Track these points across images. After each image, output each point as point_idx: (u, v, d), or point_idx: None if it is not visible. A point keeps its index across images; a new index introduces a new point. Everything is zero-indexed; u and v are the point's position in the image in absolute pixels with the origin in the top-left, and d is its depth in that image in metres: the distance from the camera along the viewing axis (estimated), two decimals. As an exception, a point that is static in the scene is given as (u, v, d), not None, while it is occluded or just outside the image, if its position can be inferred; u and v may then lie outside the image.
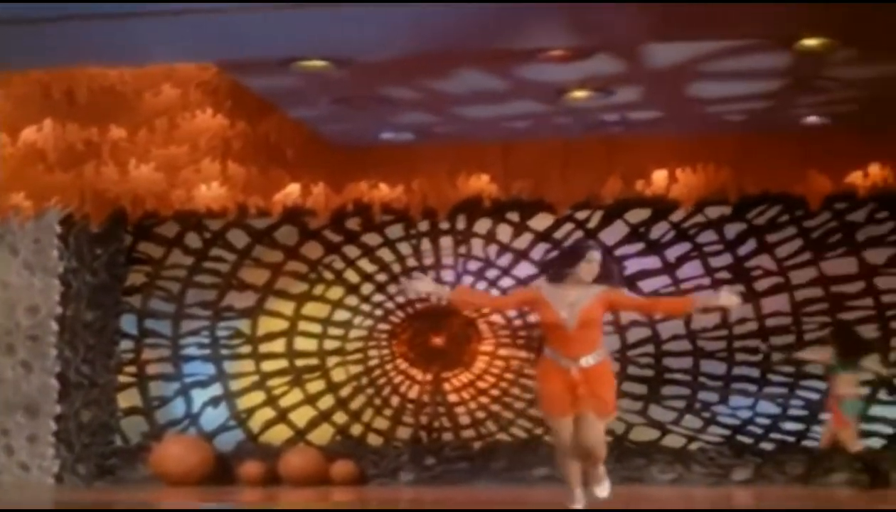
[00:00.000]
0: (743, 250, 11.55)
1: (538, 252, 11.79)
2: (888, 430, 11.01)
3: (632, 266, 11.69)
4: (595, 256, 5.68)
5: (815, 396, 11.12)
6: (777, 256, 11.47)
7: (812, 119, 9.33)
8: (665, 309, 6.41)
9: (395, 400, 12.09)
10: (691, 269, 11.46)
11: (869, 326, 10.96)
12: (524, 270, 12.05)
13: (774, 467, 11.09)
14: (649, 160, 10.18)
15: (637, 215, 11.72)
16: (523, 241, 12.10)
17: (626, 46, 7.39)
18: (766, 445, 11.16)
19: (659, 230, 11.67)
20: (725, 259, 11.57)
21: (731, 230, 11.67)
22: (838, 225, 11.23)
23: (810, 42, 7.33)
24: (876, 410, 11.02)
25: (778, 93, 8.59)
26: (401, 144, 10.32)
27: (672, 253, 11.69)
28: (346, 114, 9.27)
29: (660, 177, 10.27)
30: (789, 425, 11.29)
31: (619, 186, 10.28)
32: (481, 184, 10.60)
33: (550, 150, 10.23)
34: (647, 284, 11.61)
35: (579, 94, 8.61)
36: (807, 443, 11.03)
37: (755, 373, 11.48)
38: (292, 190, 10.71)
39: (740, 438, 11.22)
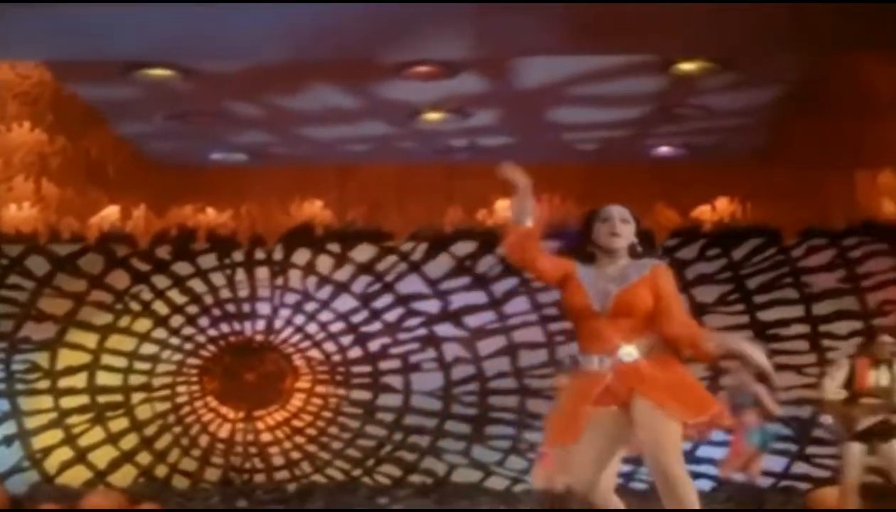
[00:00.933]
0: None
1: (360, 285, 13.27)
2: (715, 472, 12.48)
3: (457, 301, 13.28)
4: (611, 212, 5.26)
5: None
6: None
7: (664, 150, 10.74)
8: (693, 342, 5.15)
9: (204, 439, 13.27)
10: (518, 304, 13.21)
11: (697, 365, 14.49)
12: (345, 303, 13.36)
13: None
14: (492, 189, 11.17)
15: (463, 248, 13.15)
16: (344, 274, 13.38)
17: (498, 63, 8.35)
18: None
19: (486, 263, 13.18)
20: (553, 295, 12.67)
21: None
22: (669, 262, 14.74)
23: (687, 66, 8.45)
24: (704, 451, 12.42)
25: (638, 121, 9.88)
26: (232, 166, 11.23)
27: (499, 288, 13.29)
28: (178, 131, 10.11)
29: (502, 206, 11.39)
30: (622, 467, 14.59)
31: (459, 216, 11.52)
32: (314, 210, 11.63)
33: (389, 175, 11.34)
34: (472, 320, 13.26)
35: (433, 116, 9.69)
36: (635, 485, 12.62)
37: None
38: (110, 212, 11.44)
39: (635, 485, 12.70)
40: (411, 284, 13.52)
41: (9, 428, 13.24)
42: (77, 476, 13.14)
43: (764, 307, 13.20)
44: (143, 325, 13.46)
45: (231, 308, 13.60)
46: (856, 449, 9.52)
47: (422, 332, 13.51)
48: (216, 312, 13.61)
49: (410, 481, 13.29)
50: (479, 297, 13.43)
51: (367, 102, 9.39)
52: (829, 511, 11.06)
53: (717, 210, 11.43)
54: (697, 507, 4.95)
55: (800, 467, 13.03)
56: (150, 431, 13.35)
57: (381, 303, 13.52)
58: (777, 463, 12.92)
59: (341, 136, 10.47)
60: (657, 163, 11.11)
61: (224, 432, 13.47)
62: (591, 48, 7.94)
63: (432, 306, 13.57)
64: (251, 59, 8.32)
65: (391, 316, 13.52)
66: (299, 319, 13.49)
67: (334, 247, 13.42)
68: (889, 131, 9.91)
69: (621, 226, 5.32)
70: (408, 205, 11.20)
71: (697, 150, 10.73)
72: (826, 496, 12.70)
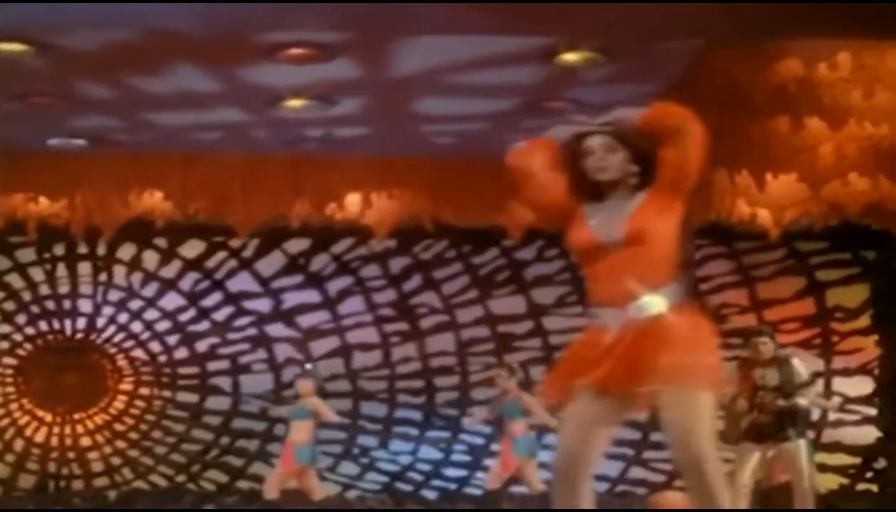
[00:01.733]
0: (408, 286, 14.82)
1: (187, 282, 14.55)
2: (547, 475, 13.42)
3: (290, 299, 14.64)
4: (591, 143, 5.26)
5: (479, 441, 14.55)
6: (443, 293, 14.82)
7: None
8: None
9: (19, 444, 14.37)
10: (353, 304, 14.67)
11: (537, 367, 14.42)
12: (172, 301, 14.58)
13: None
14: (343, 182, 12.35)
15: (297, 245, 14.56)
16: (171, 270, 14.67)
17: (377, 48, 9.22)
18: (428, 493, 14.47)
19: (320, 262, 14.68)
20: (389, 295, 14.84)
21: (396, 264, 14.79)
22: (507, 262, 14.78)
23: (571, 56, 9.50)
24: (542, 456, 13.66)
25: (503, 114, 10.90)
26: (70, 152, 11.89)
27: (333, 287, 14.77)
28: (16, 114, 10.72)
29: (353, 201, 12.42)
30: (451, 472, 14.59)
31: (307, 210, 12.41)
32: (154, 201, 12.35)
33: (237, 165, 12.11)
34: (306, 320, 14.59)
35: (295, 103, 10.47)
36: (469, 490, 14.58)
37: (417, 416, 14.70)
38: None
39: (400, 485, 14.54)
40: (242, 282, 14.70)
41: None
42: None
43: None
44: (-47, 322, 13.65)
45: (50, 305, 14.48)
46: (748, 450, 11.00)
47: (252, 331, 14.77)
48: (34, 308, 14.51)
49: (237, 487, 14.47)
50: (312, 296, 14.75)
51: (228, 86, 10.12)
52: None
53: None
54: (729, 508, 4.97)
55: (637, 472, 14.80)
56: (-41, 435, 13.52)
57: (209, 301, 14.72)
58: (612, 468, 14.73)
59: (191, 123, 11.21)
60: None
61: (40, 436, 14.38)
62: (478, 29, 8.90)
63: (263, 305, 14.76)
64: (108, 35, 8.97)
65: (220, 315, 14.71)
66: (123, 318, 14.56)
67: (161, 242, 14.41)
68: (752, 131, 11.48)
69: (608, 156, 5.29)
70: (254, 197, 12.20)
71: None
72: (669, 500, 13.75)
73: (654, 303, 5.11)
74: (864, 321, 15.14)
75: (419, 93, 10.58)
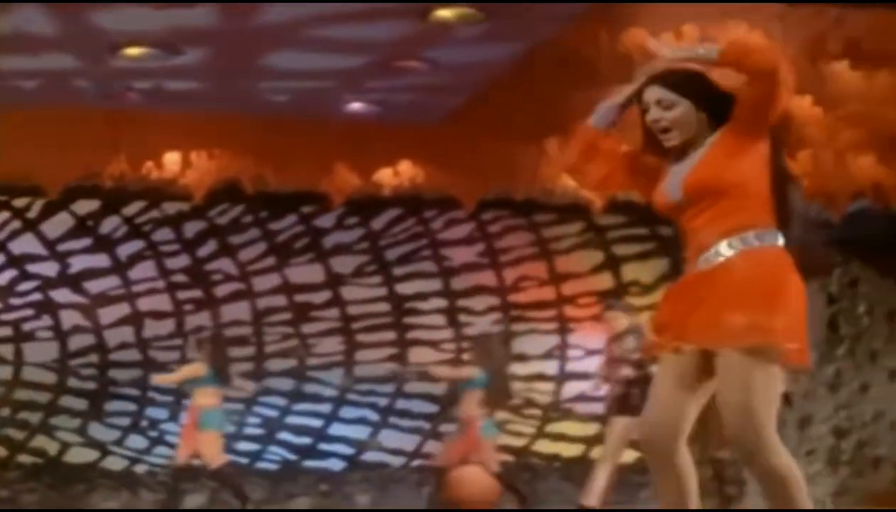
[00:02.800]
0: (203, 252, 14.44)
1: None
2: (349, 450, 14.54)
3: (77, 264, 14.06)
4: (646, 97, 5.05)
5: (273, 414, 14.46)
6: (239, 260, 14.48)
7: (356, 106, 11.57)
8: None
9: None
10: (145, 269, 14.21)
11: (335, 338, 14.56)
12: None
13: (232, 493, 13.28)
14: (163, 141, 11.96)
15: (85, 206, 14.01)
16: None
17: None
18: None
19: (110, 224, 14.17)
20: (183, 260, 14.44)
21: (191, 229, 14.41)
22: (305, 230, 14.53)
23: (446, 13, 9.30)
24: (337, 429, 14.65)
25: (346, 72, 10.63)
26: None
27: (124, 251, 14.26)
28: None
29: (171, 160, 12.03)
30: (244, 445, 14.32)
31: (123, 168, 11.96)
32: None
33: (53, 118, 11.51)
34: (94, 285, 14.07)
35: (134, 51, 10.02)
36: (262, 465, 14.40)
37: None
38: None
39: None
40: (26, 244, 14.06)
41: None
42: None
43: (402, 280, 14.78)
44: None
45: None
46: (621, 423, 11.15)
47: (37, 297, 14.12)
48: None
49: (19, 462, 13.90)
50: (101, 260, 14.21)
51: (67, 29, 9.64)
52: None
53: (399, 174, 12.51)
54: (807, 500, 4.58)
55: (433, 447, 14.52)
56: None
57: None
58: (408, 442, 14.80)
59: (5, 70, 10.68)
60: (347, 119, 11.97)
61: None
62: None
63: (49, 269, 14.14)
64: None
65: (2, 279, 14.04)
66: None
67: None
68: (593, 100, 11.59)
69: (665, 114, 4.97)
70: (68, 154, 11.64)
71: (392, 109, 11.72)
72: (467, 475, 13.88)
73: (721, 250, 4.79)
74: (659, 297, 15.20)
75: (274, 46, 10.30)
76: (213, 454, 12.22)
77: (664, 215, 5.06)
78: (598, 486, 11.30)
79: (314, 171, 12.37)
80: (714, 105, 4.95)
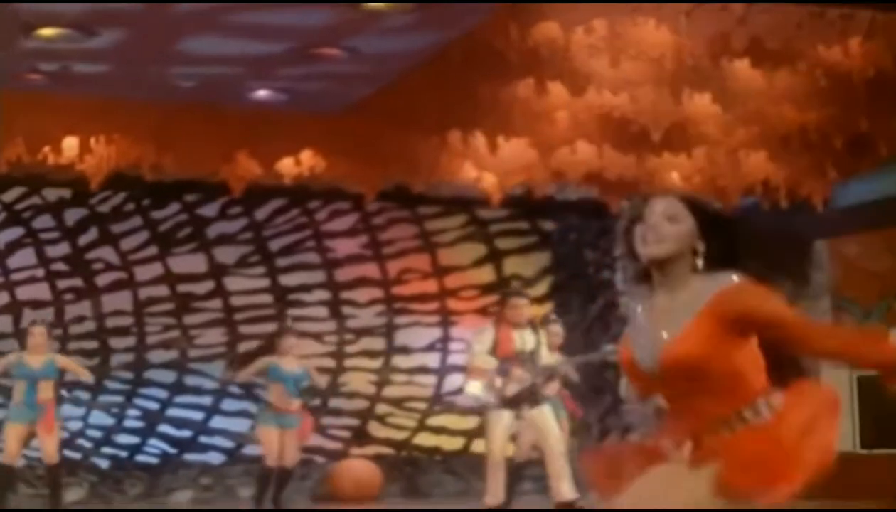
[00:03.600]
0: (84, 240, 14.15)
1: None
2: (230, 443, 14.47)
3: None
4: (653, 206, 4.14)
5: (153, 406, 14.26)
6: (121, 249, 14.24)
7: (263, 94, 11.46)
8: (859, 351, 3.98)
9: None
10: (24, 257, 13.95)
11: (217, 329, 14.45)
12: None
13: (112, 486, 13.95)
14: (60, 123, 11.71)
15: None
16: None
17: None
18: (99, 461, 13.96)
19: None
20: (64, 248, 14.14)
21: (72, 216, 14.17)
22: (188, 219, 14.38)
23: (377, 4, 9.18)
24: (218, 422, 14.50)
25: (268, 58, 10.47)
26: None
27: (2, 238, 13.92)
28: None
29: (70, 145, 11.77)
30: (123, 438, 14.12)
31: (19, 152, 11.62)
32: None
33: None
34: None
35: (49, 32, 9.76)
36: (142, 458, 14.17)
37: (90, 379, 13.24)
38: None
39: (68, 452, 13.64)
40: None
41: None
42: None
43: (286, 271, 14.75)
44: None
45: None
46: (503, 416, 11.02)
47: None
48: None
49: None
50: None
51: None
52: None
53: (300, 163, 12.42)
54: None
55: (314, 440, 14.19)
56: None
57: None
58: None
59: None
60: (252, 107, 11.88)
61: None
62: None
63: None
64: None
65: None
66: None
67: None
68: (499, 93, 11.60)
69: (666, 226, 4.13)
70: None
71: (299, 97, 11.60)
72: (354, 467, 14.50)
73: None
74: (540, 289, 15.51)
75: (195, 31, 10.06)
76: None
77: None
78: (498, 483, 11.29)
79: (215, 159, 12.22)
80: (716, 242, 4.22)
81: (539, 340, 11.29)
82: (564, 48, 11.06)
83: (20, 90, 11.34)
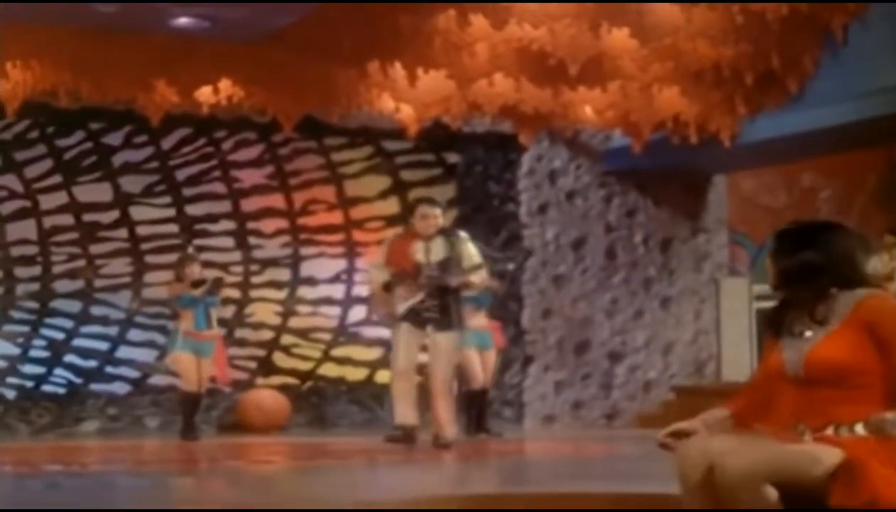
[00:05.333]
0: None
1: None
2: (136, 374, 14.47)
3: None
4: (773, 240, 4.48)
5: (59, 336, 14.18)
6: (25, 177, 14.07)
7: (184, 21, 11.38)
8: None
9: None
10: None
11: (123, 259, 14.37)
12: None
13: (19, 416, 13.89)
14: None
15: None
16: None
17: None
18: (5, 391, 13.91)
19: None
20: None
21: None
22: (94, 147, 14.28)
23: None
24: (123, 352, 14.47)
25: None
26: None
27: None
28: None
29: None
30: (29, 368, 14.08)
31: None
32: None
33: None
34: None
35: None
36: (48, 388, 14.13)
37: None
38: None
39: None
40: None
41: None
42: None
43: (192, 201, 14.74)
44: None
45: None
46: (402, 330, 10.46)
47: None
48: None
49: None
50: None
51: None
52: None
53: (218, 92, 12.45)
54: None
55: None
56: None
57: None
58: None
59: None
60: (172, 35, 11.81)
61: None
62: None
63: None
64: None
65: None
66: None
67: None
68: (420, 24, 11.77)
69: (784, 261, 4.49)
70: None
71: (221, 25, 11.53)
72: (257, 398, 14.62)
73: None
74: (445, 222, 15.59)
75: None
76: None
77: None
78: (403, 404, 10.75)
79: (133, 87, 12.24)
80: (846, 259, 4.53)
81: (457, 252, 10.73)
82: (486, -23, 11.08)
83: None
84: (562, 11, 11.44)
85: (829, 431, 4.30)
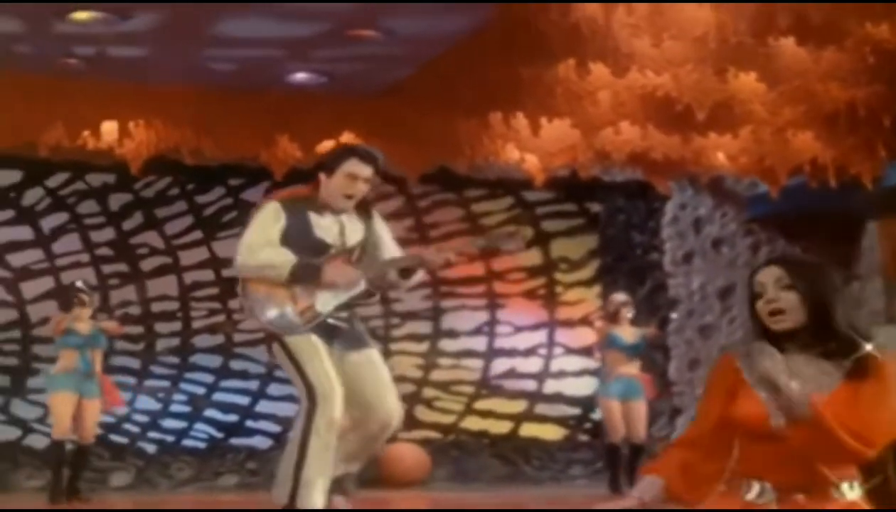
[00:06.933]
0: (128, 225, 14.17)
1: None
2: (276, 428, 14.34)
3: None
4: (764, 278, 4.20)
5: (200, 391, 14.26)
6: (166, 234, 14.23)
7: (302, 76, 11.51)
8: None
9: None
10: (69, 243, 13.96)
11: None
12: None
13: (159, 470, 13.98)
14: (100, 108, 11.76)
15: (8, 177, 13.76)
16: None
17: None
18: (145, 446, 13.97)
19: (33, 196, 13.92)
20: (108, 234, 14.16)
21: (116, 201, 14.19)
22: (233, 202, 14.42)
23: None
24: (264, 406, 14.54)
25: (304, 40, 10.56)
26: None
27: (47, 223, 13.99)
28: None
29: (109, 129, 11.85)
30: (169, 423, 14.14)
31: (59, 136, 11.72)
32: None
33: None
34: (16, 259, 13.78)
35: (83, 15, 9.82)
36: (189, 443, 14.17)
37: (135, 364, 14.07)
38: None
39: (116, 437, 13.86)
40: None
41: None
42: None
43: None
44: None
45: None
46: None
47: None
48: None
49: None
50: (24, 233, 14.01)
51: None
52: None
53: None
54: None
55: None
56: None
57: None
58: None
59: None
60: (291, 90, 11.91)
61: None
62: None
63: None
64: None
65: None
66: None
67: None
68: (540, 74, 11.55)
69: (782, 294, 4.15)
70: (3, 120, 11.46)
71: (338, 79, 11.65)
72: (398, 452, 14.23)
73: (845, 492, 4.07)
74: (587, 273, 15.43)
75: (226, 12, 10.13)
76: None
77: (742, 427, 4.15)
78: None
79: (255, 143, 12.26)
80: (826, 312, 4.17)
81: (378, 236, 7.62)
82: (605, 27, 10.89)
83: (58, 75, 11.39)
84: (683, 57, 11.12)
85: (800, 497, 3.99)
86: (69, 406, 11.61)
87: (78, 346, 11.68)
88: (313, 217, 7.32)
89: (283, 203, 7.26)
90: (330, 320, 7.31)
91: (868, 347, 4.08)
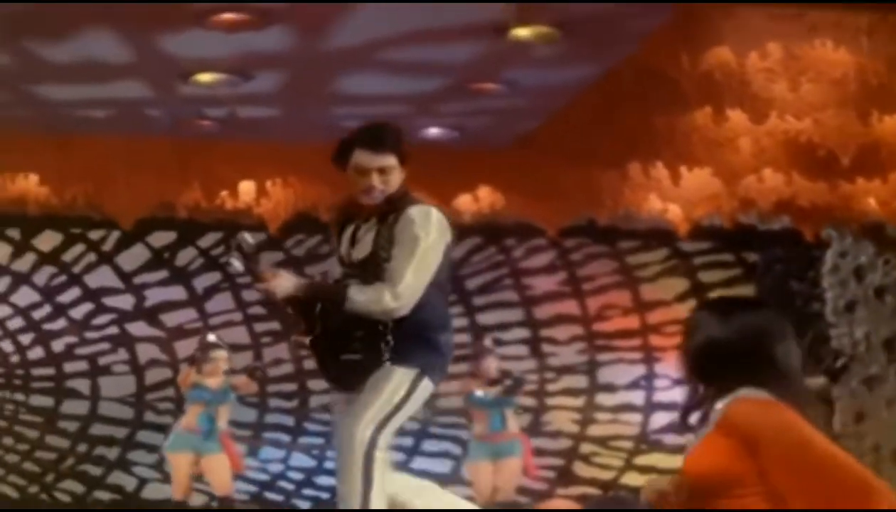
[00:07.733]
0: None
1: (42, 276, 13.94)
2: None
3: (153, 296, 14.07)
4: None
5: None
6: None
7: (434, 131, 11.51)
8: None
9: None
10: (221, 301, 14.22)
11: None
12: (25, 296, 13.92)
13: None
14: (236, 169, 11.87)
15: (162, 238, 14.07)
16: (25, 263, 14.02)
17: (320, 17, 8.76)
18: (300, 502, 14.07)
19: (186, 256, 14.24)
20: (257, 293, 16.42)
21: (267, 260, 16.57)
22: None
23: (523, 31, 9.05)
24: (419, 463, 14.17)
25: (428, 95, 10.54)
26: None
27: (200, 283, 14.36)
28: None
29: (246, 189, 11.95)
30: (324, 480, 14.14)
31: (196, 197, 11.85)
32: (29, 185, 11.60)
33: (119, 148, 11.41)
34: (170, 318, 14.04)
35: (206, 77, 9.86)
36: None
37: (290, 421, 14.39)
38: None
39: (270, 495, 14.05)
40: (102, 277, 14.02)
41: None
42: None
43: (483, 309, 14.67)
44: None
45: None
46: None
47: (113, 330, 14.07)
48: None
49: (96, 498, 13.76)
50: (177, 292, 14.21)
51: (139, 55, 9.49)
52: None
53: (479, 200, 12.39)
54: None
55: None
56: None
57: (66, 297, 14.01)
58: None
59: (80, 99, 10.56)
60: (423, 145, 11.54)
61: None
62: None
63: (125, 302, 14.11)
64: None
65: (78, 312, 14.00)
66: (-35, 311, 12.90)
67: (14, 233, 13.70)
68: (674, 122, 11.31)
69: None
70: (139, 184, 11.53)
71: (469, 133, 11.61)
72: (556, 509, 14.52)
73: None
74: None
75: (346, 69, 10.08)
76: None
77: None
78: None
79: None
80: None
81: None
82: (740, 73, 10.58)
83: (192, 136, 11.56)
84: (823, 101, 10.76)
85: None
86: (186, 467, 11.71)
87: (205, 401, 11.73)
88: (347, 228, 6.42)
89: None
90: None
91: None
